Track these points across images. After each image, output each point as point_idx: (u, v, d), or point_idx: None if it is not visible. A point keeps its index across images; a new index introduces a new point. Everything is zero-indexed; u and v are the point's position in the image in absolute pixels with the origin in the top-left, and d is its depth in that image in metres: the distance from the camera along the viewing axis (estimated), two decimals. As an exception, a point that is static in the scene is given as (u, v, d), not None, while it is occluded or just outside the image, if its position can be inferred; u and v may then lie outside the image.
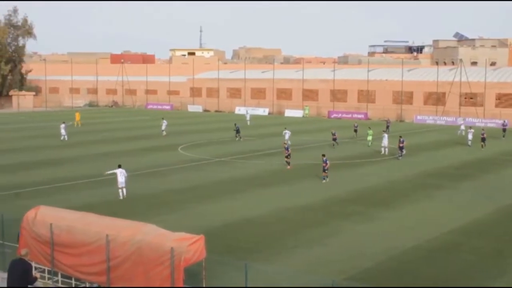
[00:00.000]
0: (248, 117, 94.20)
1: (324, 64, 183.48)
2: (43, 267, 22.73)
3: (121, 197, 37.70)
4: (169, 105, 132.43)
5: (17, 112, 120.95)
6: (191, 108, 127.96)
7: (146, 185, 42.28)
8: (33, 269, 22.44)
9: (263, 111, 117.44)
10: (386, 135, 60.24)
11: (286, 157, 50.59)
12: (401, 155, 55.73)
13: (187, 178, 45.56)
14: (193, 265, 19.65)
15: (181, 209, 35.16)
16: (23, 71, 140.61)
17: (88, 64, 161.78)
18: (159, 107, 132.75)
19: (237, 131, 70.61)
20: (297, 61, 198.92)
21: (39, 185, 42.17)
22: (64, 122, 68.31)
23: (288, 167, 49.77)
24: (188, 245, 19.35)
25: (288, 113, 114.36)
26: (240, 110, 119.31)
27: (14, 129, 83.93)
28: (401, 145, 55.98)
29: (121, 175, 37.86)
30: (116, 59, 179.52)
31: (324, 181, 43.53)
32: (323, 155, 44.61)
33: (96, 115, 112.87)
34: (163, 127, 75.70)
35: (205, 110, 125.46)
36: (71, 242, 21.48)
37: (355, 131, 74.66)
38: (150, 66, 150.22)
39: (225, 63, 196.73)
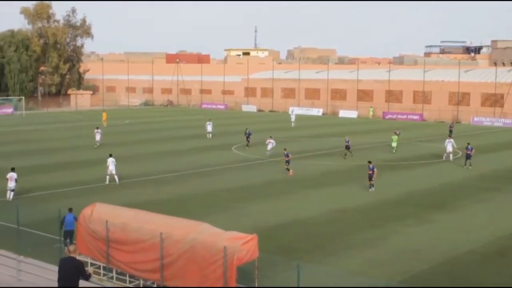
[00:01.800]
0: (292, 118, 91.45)
1: (379, 64, 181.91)
2: (98, 263, 23.20)
3: (107, 182, 42.55)
4: (223, 105, 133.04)
5: (75, 110, 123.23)
6: (245, 108, 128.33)
7: (200, 184, 42.64)
8: (88, 265, 23.00)
9: (317, 112, 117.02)
10: (451, 141, 56.52)
11: (286, 163, 48.00)
12: (470, 165, 51.13)
13: (240, 178, 45.81)
14: (246, 264, 19.78)
15: (234, 209, 35.39)
16: (81, 70, 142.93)
17: (144, 63, 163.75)
18: (214, 106, 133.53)
19: (248, 136, 64.30)
20: (352, 62, 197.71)
21: (92, 183, 42.96)
22: (98, 128, 65.29)
23: (290, 173, 47.09)
24: (241, 244, 19.50)
25: (343, 113, 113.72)
26: (294, 110, 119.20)
27: (71, 127, 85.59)
28: (468, 152, 51.45)
29: (112, 164, 42.76)
30: (171, 59, 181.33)
31: (370, 189, 40.73)
32: (369, 162, 41.89)
33: (151, 114, 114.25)
34: (210, 129, 72.83)
35: (259, 110, 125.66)
36: (125, 239, 21.85)
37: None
38: (205, 66, 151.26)
39: (280, 63, 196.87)
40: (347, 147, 56.76)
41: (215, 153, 59.43)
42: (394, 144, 60.37)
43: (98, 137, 63.32)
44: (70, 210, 27.17)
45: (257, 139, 66.66)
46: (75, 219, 26.35)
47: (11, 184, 36.76)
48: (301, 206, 36.15)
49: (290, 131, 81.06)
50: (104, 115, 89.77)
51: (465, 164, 51.63)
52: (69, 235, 26.44)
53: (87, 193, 39.10)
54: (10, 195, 36.61)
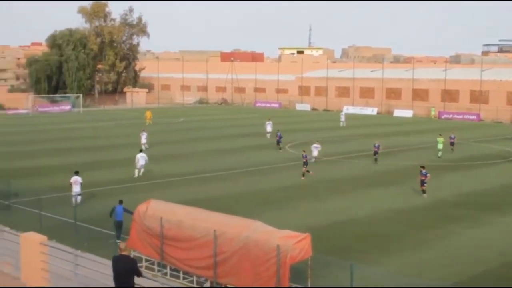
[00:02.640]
0: (342, 118, 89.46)
1: (435, 63, 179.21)
2: (152, 259, 23.39)
3: (136, 175, 44.06)
4: (277, 104, 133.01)
5: (131, 108, 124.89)
6: (299, 107, 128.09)
7: (253, 183, 42.69)
8: (143, 261, 23.21)
9: (371, 111, 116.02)
10: None
11: (304, 165, 45.85)
12: None
13: (294, 176, 45.67)
14: (299, 263, 19.68)
15: (287, 207, 35.32)
16: (136, 68, 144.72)
17: (198, 62, 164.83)
18: (268, 105, 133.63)
19: (279, 139, 61.20)
20: (407, 60, 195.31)
21: (145, 180, 43.41)
22: (144, 130, 63.33)
23: (306, 175, 44.97)
24: (294, 243, 19.40)
25: (398, 113, 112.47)
26: (348, 109, 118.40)
27: (127, 125, 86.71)
28: None
29: (142, 159, 44.33)
30: (226, 57, 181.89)
31: (424, 195, 38.44)
32: (422, 167, 39.45)
33: (205, 112, 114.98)
34: (269, 129, 71.58)
35: (313, 109, 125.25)
36: (180, 236, 21.98)
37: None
38: (259, 65, 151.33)
39: (334, 62, 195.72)
40: (376, 153, 52.85)
41: (268, 151, 59.45)
42: (440, 146, 56.53)
43: (144, 139, 60.28)
44: (120, 202, 28.12)
45: (310, 138, 66.42)
46: (125, 210, 27.48)
47: (77, 189, 34.61)
48: (356, 206, 35.86)
49: (343, 130, 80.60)
50: (148, 114, 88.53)
51: None
52: (119, 226, 27.46)
53: (139, 190, 39.48)
54: (76, 199, 34.06)
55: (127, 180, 43.29)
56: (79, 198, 34.24)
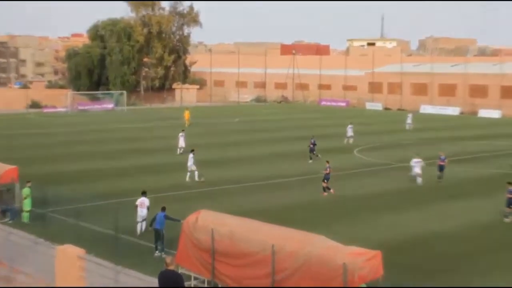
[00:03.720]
0: (409, 120, 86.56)
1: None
2: (202, 277, 23.37)
3: (187, 179, 45.21)
4: (345, 102, 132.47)
5: (180, 107, 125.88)
6: (370, 106, 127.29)
7: (317, 191, 42.45)
8: (191, 279, 23.24)
9: (452, 111, 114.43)
10: None
11: (325, 180, 42.60)
12: None
13: (363, 185, 45.46)
14: (368, 283, 19.41)
15: (358, 220, 35.15)
16: (187, 62, 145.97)
17: (256, 55, 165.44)
18: (334, 103, 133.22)
19: (313, 147, 57.41)
20: (495, 53, 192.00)
21: (196, 188, 43.62)
22: (183, 131, 62.56)
23: (330, 191, 42.12)
24: (363, 261, 19.13)
25: (483, 113, 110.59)
26: (425, 109, 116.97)
27: (176, 125, 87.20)
28: None
29: (190, 160, 45.47)
30: (286, 50, 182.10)
31: (506, 219, 35.15)
32: (510, 184, 35.76)
33: (263, 111, 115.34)
34: (350, 133, 69.76)
35: (386, 108, 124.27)
36: (233, 250, 21.95)
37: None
38: (325, 58, 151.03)
39: (410, 55, 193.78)
40: (441, 168, 48.03)
41: (336, 156, 59.08)
42: None
43: (182, 142, 59.82)
44: (163, 209, 28.33)
45: (381, 141, 65.87)
46: (167, 218, 27.84)
47: (143, 213, 31.25)
48: (437, 219, 35.30)
49: (415, 133, 79.53)
50: (187, 114, 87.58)
51: None
52: (157, 235, 27.73)
53: (189, 198, 39.87)
54: (141, 227, 31.22)
55: (173, 187, 43.61)
56: (144, 224, 31.05)
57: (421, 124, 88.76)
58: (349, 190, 43.50)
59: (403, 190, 43.73)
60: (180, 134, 60.68)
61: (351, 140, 69.60)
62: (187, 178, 45.35)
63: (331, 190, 41.93)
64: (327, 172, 42.32)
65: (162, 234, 27.53)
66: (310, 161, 55.63)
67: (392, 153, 61.13)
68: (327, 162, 43.22)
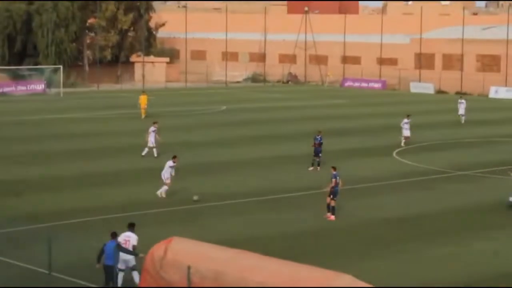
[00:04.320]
0: (462, 110, 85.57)
1: None
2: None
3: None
4: (380, 82, 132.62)
5: (141, 88, 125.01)
6: (416, 88, 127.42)
7: (346, 209, 42.46)
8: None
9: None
10: None
11: (331, 195, 41.22)
12: None
13: (409, 202, 45.68)
14: None
15: (400, 251, 35.28)
16: (151, 24, 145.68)
17: (251, 14, 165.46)
18: (364, 85, 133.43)
19: (318, 148, 56.17)
20: None
21: (164, 206, 43.57)
22: (155, 123, 61.65)
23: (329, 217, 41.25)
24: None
25: None
26: (498, 92, 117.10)
27: (135, 115, 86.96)
28: None
29: (167, 169, 45.45)
30: (296, 6, 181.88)
31: None
32: None
33: (261, 97, 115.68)
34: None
35: (440, 91, 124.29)
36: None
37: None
38: (351, 19, 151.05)
39: (475, 14, 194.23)
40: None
41: (370, 160, 59.58)
42: None
43: (153, 139, 60.22)
44: (113, 235, 27.77)
45: (432, 139, 66.06)
46: (120, 249, 27.15)
47: (126, 256, 29.15)
48: (509, 252, 35.39)
49: (488, 127, 79.63)
50: (143, 100, 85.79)
51: None
52: (109, 273, 27.28)
53: (155, 221, 39.85)
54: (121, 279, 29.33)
55: (131, 204, 43.58)
56: (134, 275, 28.90)
57: (489, 114, 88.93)
58: (388, 209, 43.68)
59: (459, 210, 44.05)
60: (152, 128, 60.44)
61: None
62: (161, 193, 45.22)
63: (331, 216, 40.74)
64: (333, 184, 40.92)
65: (115, 273, 27.39)
66: (311, 168, 55.19)
67: (447, 156, 61.67)
68: (333, 168, 41.83)
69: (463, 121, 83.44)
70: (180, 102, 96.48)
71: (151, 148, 58.92)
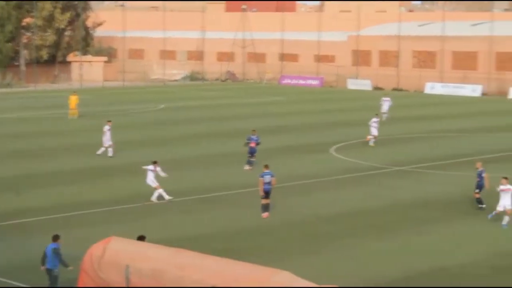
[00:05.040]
0: (385, 108, 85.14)
1: None
2: None
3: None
4: (317, 79, 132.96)
5: (79, 88, 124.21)
6: (353, 85, 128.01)
7: (282, 207, 42.65)
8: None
9: (471, 91, 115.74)
10: None
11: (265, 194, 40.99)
12: None
13: (346, 198, 45.95)
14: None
15: (336, 247, 35.54)
16: (89, 23, 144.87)
17: (189, 13, 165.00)
18: (301, 82, 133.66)
19: (253, 148, 54.56)
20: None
21: (107, 205, 43.59)
22: (109, 122, 60.87)
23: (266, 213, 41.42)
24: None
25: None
26: (434, 88, 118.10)
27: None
28: None
29: (150, 175, 44.35)
30: (234, 5, 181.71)
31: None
32: None
33: (200, 95, 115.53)
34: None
35: (376, 88, 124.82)
36: (158, 297, 22.05)
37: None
38: (289, 17, 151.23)
39: (411, 11, 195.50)
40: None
41: (307, 157, 59.67)
42: None
43: (108, 137, 59.41)
44: (55, 238, 27.46)
45: (369, 135, 66.71)
46: (55, 252, 26.81)
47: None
48: (451, 248, 35.93)
49: (428, 123, 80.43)
50: (73, 100, 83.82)
51: None
52: (51, 277, 27.03)
53: (95, 219, 39.80)
54: None
55: (75, 204, 43.39)
56: None
57: (426, 110, 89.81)
58: (326, 206, 43.91)
59: (396, 205, 44.35)
60: (106, 127, 59.63)
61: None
62: (154, 198, 44.54)
63: (264, 214, 40.76)
64: (266, 181, 40.51)
65: (54, 276, 27.09)
66: (248, 167, 54.21)
67: (383, 152, 62.46)
68: (266, 167, 41.52)
69: (384, 119, 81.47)
70: (117, 101, 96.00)
71: (106, 148, 58.57)
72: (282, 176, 46.45)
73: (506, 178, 38.95)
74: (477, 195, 42.05)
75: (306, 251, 34.57)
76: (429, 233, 38.27)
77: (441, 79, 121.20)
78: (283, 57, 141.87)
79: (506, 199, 38.20)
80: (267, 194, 40.56)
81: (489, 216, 39.38)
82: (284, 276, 21.03)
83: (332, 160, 58.99)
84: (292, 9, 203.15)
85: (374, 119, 65.58)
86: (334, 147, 64.36)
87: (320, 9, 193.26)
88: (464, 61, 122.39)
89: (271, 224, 39.63)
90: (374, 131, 64.89)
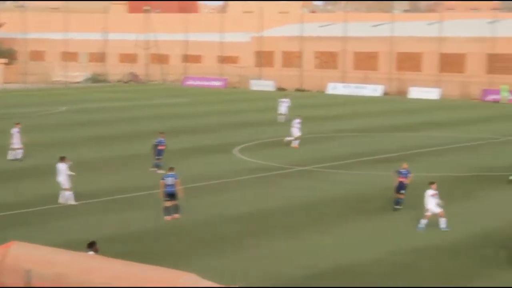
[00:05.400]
0: (283, 109, 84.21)
1: (476, 12, 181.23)
2: None
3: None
4: (221, 81, 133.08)
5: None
6: (256, 85, 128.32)
7: (187, 208, 42.68)
8: None
9: (373, 90, 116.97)
10: None
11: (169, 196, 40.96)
12: None
13: (249, 199, 46.09)
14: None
15: (240, 248, 35.68)
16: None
17: (91, 14, 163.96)
18: (205, 83, 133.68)
19: (158, 149, 54.63)
20: (432, 9, 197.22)
21: (9, 208, 43.19)
22: (17, 124, 60.15)
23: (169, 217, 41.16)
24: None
25: (415, 93, 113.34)
26: (336, 88, 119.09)
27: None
28: None
29: (62, 173, 44.09)
30: (137, 6, 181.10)
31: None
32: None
33: (102, 97, 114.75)
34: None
35: (280, 89, 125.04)
36: (60, 301, 21.93)
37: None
38: (192, 18, 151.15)
39: (313, 12, 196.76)
40: (400, 187, 44.92)
41: (210, 157, 59.72)
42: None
43: (17, 139, 58.72)
44: None
45: (272, 136, 66.98)
46: None
47: None
48: (347, 245, 36.26)
49: (311, 123, 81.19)
50: None
51: None
52: None
53: (1, 223, 39.39)
54: None
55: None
56: None
57: (327, 110, 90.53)
58: (229, 206, 44.03)
59: (297, 205, 44.62)
60: (15, 129, 58.97)
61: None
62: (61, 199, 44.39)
63: (167, 217, 40.62)
64: (169, 183, 40.62)
65: None
66: (155, 169, 53.59)
67: (286, 152, 62.92)
68: (170, 169, 41.87)
69: (283, 120, 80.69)
70: (18, 104, 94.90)
71: (14, 150, 57.86)
72: (186, 177, 46.45)
73: (434, 183, 39.46)
74: (401, 196, 42.69)
75: (212, 252, 34.64)
76: (333, 231, 38.59)
77: (343, 79, 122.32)
78: (186, 58, 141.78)
79: (431, 203, 38.58)
80: (171, 196, 40.52)
81: (420, 228, 38.80)
82: (190, 278, 21.06)
83: (236, 161, 59.13)
84: (195, 10, 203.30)
85: (297, 120, 66.00)
86: (238, 147, 64.57)
87: (223, 10, 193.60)
88: (365, 62, 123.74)
89: (176, 226, 39.64)
90: (297, 132, 65.40)
